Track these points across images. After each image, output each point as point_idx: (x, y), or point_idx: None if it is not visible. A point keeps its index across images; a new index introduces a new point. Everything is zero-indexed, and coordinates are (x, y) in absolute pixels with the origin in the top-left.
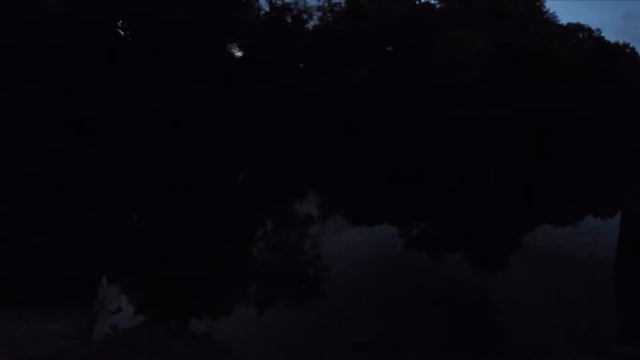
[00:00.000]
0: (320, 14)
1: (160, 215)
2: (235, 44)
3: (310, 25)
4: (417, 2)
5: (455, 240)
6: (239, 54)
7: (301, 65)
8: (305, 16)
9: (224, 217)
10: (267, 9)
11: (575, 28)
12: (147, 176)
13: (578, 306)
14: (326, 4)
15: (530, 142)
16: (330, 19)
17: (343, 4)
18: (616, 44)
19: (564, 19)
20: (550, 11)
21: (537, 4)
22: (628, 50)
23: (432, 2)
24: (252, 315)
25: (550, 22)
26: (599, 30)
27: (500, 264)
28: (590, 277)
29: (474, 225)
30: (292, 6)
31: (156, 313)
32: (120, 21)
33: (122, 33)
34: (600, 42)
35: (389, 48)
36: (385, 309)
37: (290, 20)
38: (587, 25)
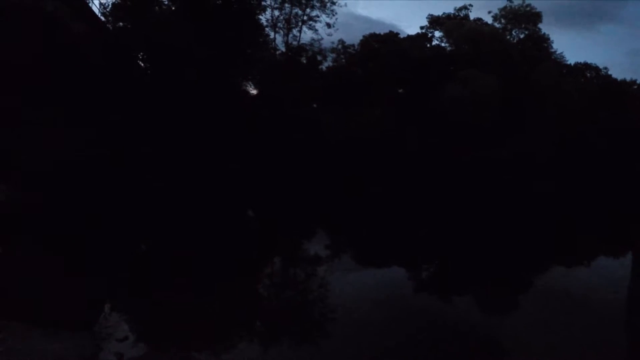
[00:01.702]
0: (334, 55)
1: (167, 246)
2: (250, 82)
3: (324, 66)
4: (428, 45)
5: (464, 282)
6: (254, 91)
7: (314, 105)
8: (319, 57)
9: (231, 251)
10: (283, 49)
11: (583, 67)
12: (158, 206)
13: (589, 347)
14: (340, 46)
15: (541, 182)
16: (343, 60)
17: (356, 47)
18: (623, 81)
19: (568, 56)
20: (558, 51)
21: (545, 45)
22: (635, 87)
23: (443, 45)
24: (255, 353)
25: (558, 63)
26: (606, 68)
27: (509, 305)
28: (603, 318)
29: (484, 267)
30: (308, 47)
31: (158, 344)
32: (141, 53)
33: (142, 64)
34: (608, 80)
35: (401, 90)
36: (392, 350)
37: (305, 61)
38: (595, 64)
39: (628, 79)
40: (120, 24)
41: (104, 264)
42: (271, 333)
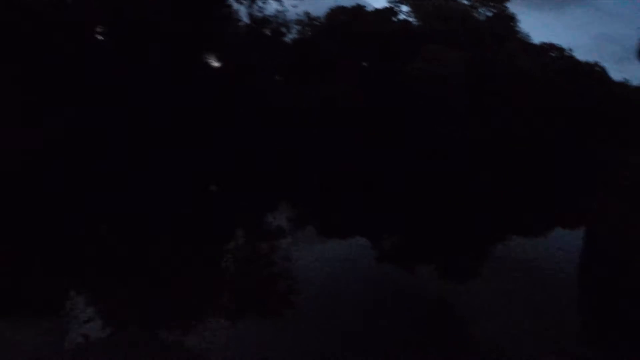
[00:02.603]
0: (299, 28)
1: (129, 224)
2: (213, 55)
3: (289, 38)
4: (396, 20)
5: (426, 252)
6: (217, 64)
7: (279, 77)
8: (284, 29)
9: (194, 227)
10: (247, 21)
11: (548, 47)
12: (117, 184)
13: (545, 314)
14: (305, 18)
15: (502, 157)
16: (309, 33)
17: (322, 19)
18: (586, 63)
19: (534, 37)
20: (524, 31)
21: (512, 24)
22: (598, 69)
23: (411, 19)
24: (222, 327)
25: (523, 42)
26: (570, 49)
27: (470, 275)
28: (558, 286)
29: (445, 238)
30: (272, 19)
31: (125, 323)
32: (101, 26)
33: (102, 38)
34: (571, 61)
35: (366, 63)
36: (355, 321)
37: (269, 33)
38: (559, 45)
39: (592, 62)
40: None
41: (66, 249)
42: (237, 308)
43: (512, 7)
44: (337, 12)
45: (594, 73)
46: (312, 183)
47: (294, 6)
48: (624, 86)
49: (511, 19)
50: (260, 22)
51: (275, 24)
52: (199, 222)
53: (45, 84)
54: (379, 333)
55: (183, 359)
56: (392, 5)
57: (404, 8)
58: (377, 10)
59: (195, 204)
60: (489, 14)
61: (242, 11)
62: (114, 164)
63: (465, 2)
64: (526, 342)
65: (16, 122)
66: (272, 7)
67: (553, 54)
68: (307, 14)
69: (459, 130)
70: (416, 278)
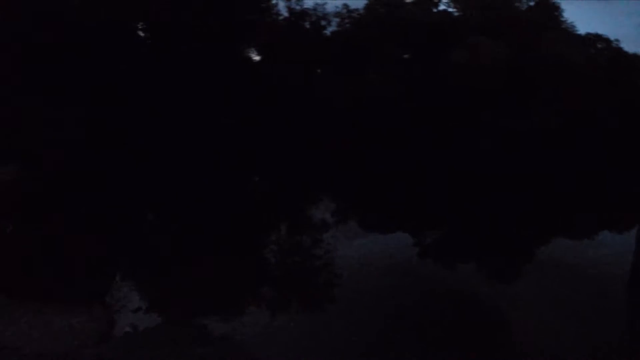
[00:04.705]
0: (338, 20)
1: (176, 215)
2: (253, 48)
3: (328, 31)
4: (436, 10)
5: (468, 250)
6: (257, 57)
7: (319, 70)
8: (323, 22)
9: (238, 219)
10: (286, 14)
11: (594, 38)
12: (165, 175)
13: (590, 320)
14: (344, 11)
15: (548, 153)
16: (348, 25)
17: (361, 11)
18: (634, 55)
19: (579, 27)
20: (569, 21)
21: (556, 13)
22: None
23: (450, 10)
24: (264, 318)
25: (568, 32)
26: (617, 40)
27: (512, 275)
28: (605, 291)
29: (488, 236)
30: (311, 12)
31: (170, 313)
32: (141, 23)
33: (142, 34)
34: (618, 52)
35: (407, 55)
36: (395, 316)
37: (308, 26)
38: (606, 36)
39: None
40: None
41: (112, 236)
42: (279, 299)
43: None
44: (376, 4)
45: None
46: (354, 177)
47: None
48: None
49: (555, 7)
50: (299, 14)
51: (315, 17)
52: (244, 212)
53: None
54: (416, 330)
55: (226, 349)
56: None
57: None
58: (416, 1)
59: (240, 197)
60: (531, 3)
61: (281, 5)
62: (159, 155)
63: None
64: (566, 348)
65: None
66: (310, 0)
67: (599, 45)
68: (345, 6)
69: (502, 123)
70: (459, 276)
